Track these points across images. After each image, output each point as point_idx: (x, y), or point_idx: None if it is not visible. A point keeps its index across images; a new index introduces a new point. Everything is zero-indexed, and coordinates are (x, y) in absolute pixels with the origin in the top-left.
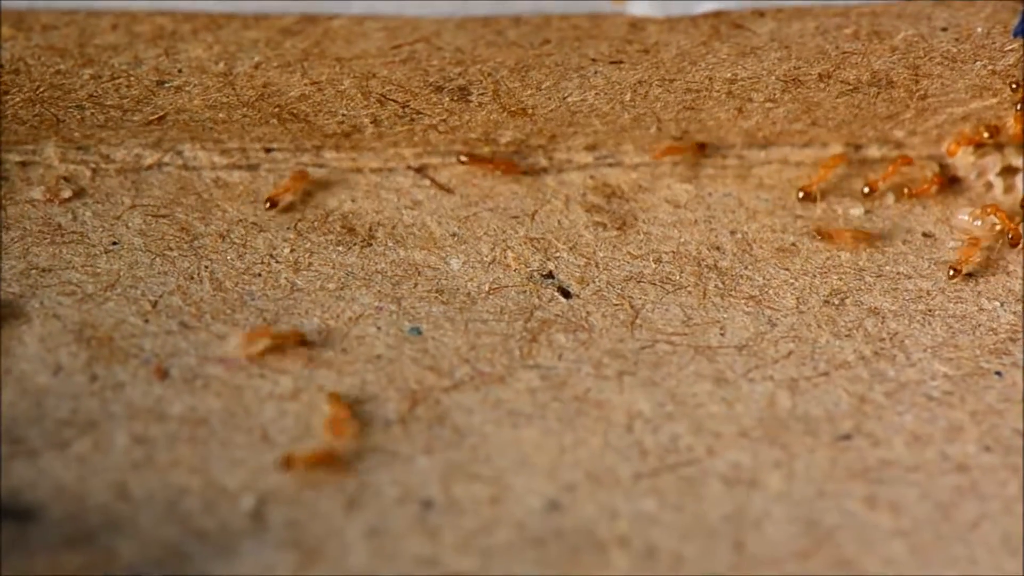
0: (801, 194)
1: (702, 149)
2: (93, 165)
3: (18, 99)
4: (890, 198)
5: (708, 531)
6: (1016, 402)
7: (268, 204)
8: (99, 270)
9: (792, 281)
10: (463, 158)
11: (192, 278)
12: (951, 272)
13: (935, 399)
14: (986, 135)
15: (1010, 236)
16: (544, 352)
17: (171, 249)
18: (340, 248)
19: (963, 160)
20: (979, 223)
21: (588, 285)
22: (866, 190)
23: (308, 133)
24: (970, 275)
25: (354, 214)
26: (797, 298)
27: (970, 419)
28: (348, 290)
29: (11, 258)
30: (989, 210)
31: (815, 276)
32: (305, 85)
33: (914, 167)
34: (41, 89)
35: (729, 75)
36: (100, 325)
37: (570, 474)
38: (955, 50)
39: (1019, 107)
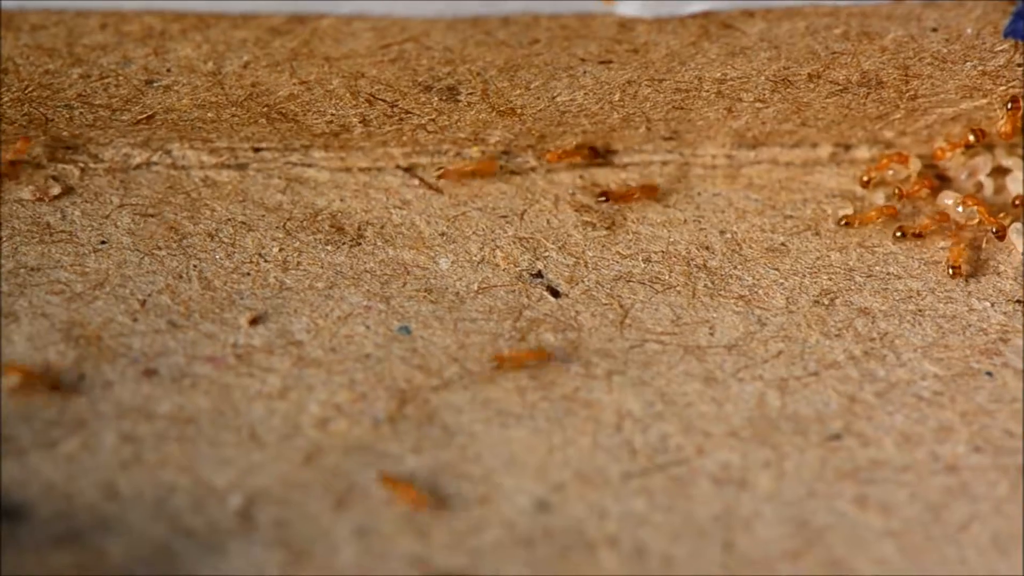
0: (844, 221)
1: (595, 154)
2: (82, 164)
3: (7, 98)
4: (880, 198)
5: (698, 531)
6: (1006, 402)
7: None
8: (88, 269)
9: (782, 281)
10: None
11: (181, 277)
12: (951, 271)
13: (925, 399)
14: (972, 139)
15: (994, 230)
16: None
17: (160, 248)
18: (329, 247)
19: (953, 160)
20: (961, 210)
21: (577, 284)
22: (861, 184)
23: (297, 132)
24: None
25: (343, 213)
26: (787, 298)
27: (960, 419)
28: (337, 289)
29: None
30: (971, 202)
31: (805, 276)
32: (294, 85)
33: (907, 167)
34: (30, 88)
35: (718, 75)
36: (89, 324)
37: (559, 474)
38: (945, 51)
39: (1009, 106)
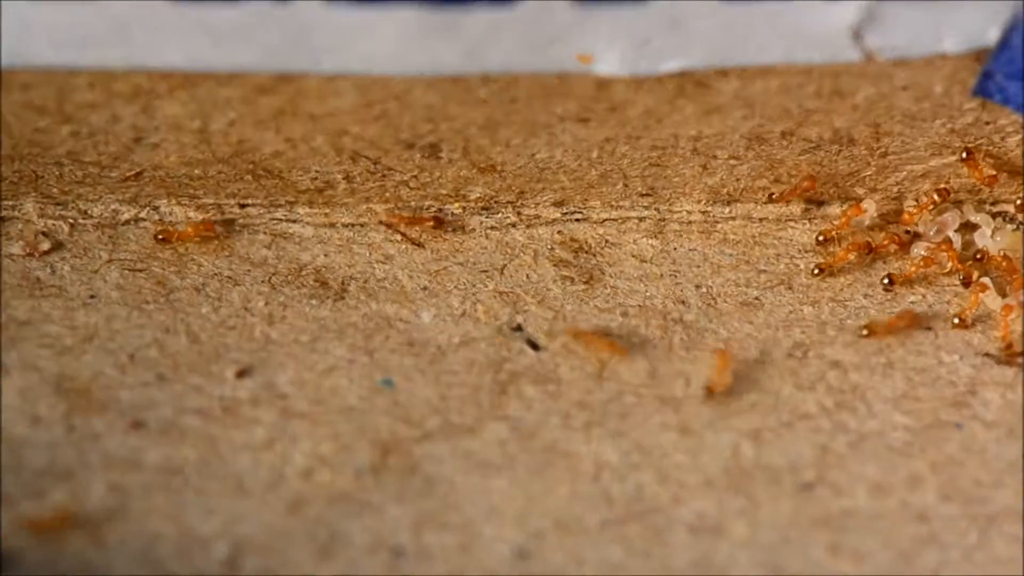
0: (817, 270)
1: (439, 223)
2: (71, 220)
3: None
4: (851, 255)
5: None
6: (975, 453)
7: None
8: (77, 323)
9: (755, 334)
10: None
11: (168, 331)
12: (956, 321)
13: (896, 450)
14: (937, 198)
15: (962, 277)
16: (513, 403)
17: (147, 302)
18: (313, 301)
19: (922, 217)
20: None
21: (556, 338)
22: (820, 238)
23: (282, 189)
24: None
25: (327, 268)
26: (760, 351)
27: (930, 469)
28: (321, 342)
29: None
30: (943, 247)
31: (778, 329)
32: (279, 142)
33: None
34: (21, 146)
35: (694, 132)
36: (78, 377)
37: (538, 522)
38: (915, 109)
39: (964, 156)
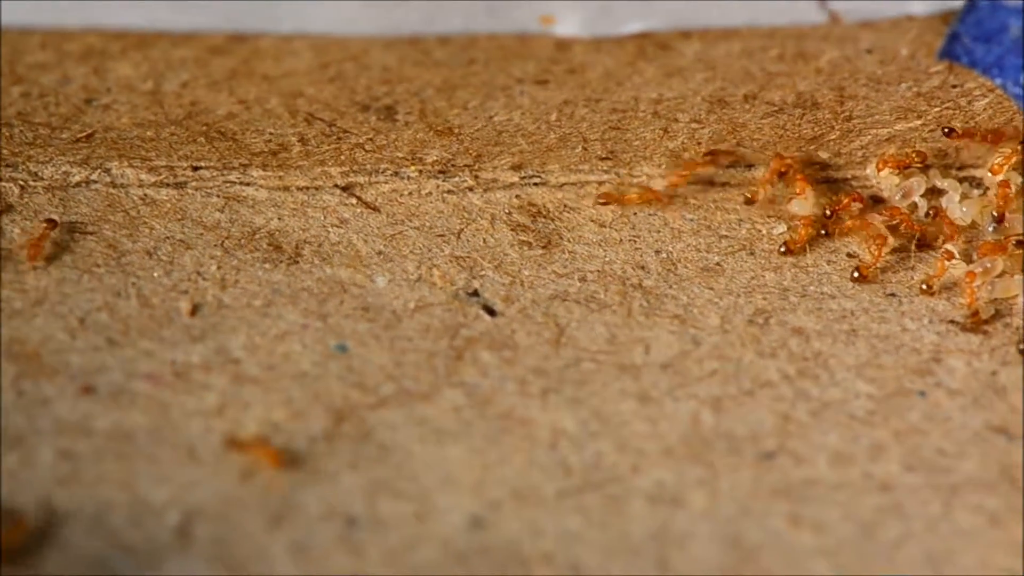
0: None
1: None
2: (21, 182)
3: None
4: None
5: (632, 549)
6: (939, 422)
7: None
8: (27, 287)
9: (716, 300)
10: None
11: (119, 295)
12: (922, 288)
13: (858, 418)
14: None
15: (917, 237)
16: (469, 370)
17: (98, 266)
18: (266, 266)
19: (887, 180)
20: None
21: (513, 303)
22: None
23: (235, 151)
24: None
25: (281, 232)
26: (721, 317)
27: (893, 439)
28: (274, 307)
29: None
30: (894, 212)
31: (739, 296)
32: (233, 104)
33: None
34: None
35: (655, 95)
36: (27, 341)
37: (495, 491)
38: (880, 72)
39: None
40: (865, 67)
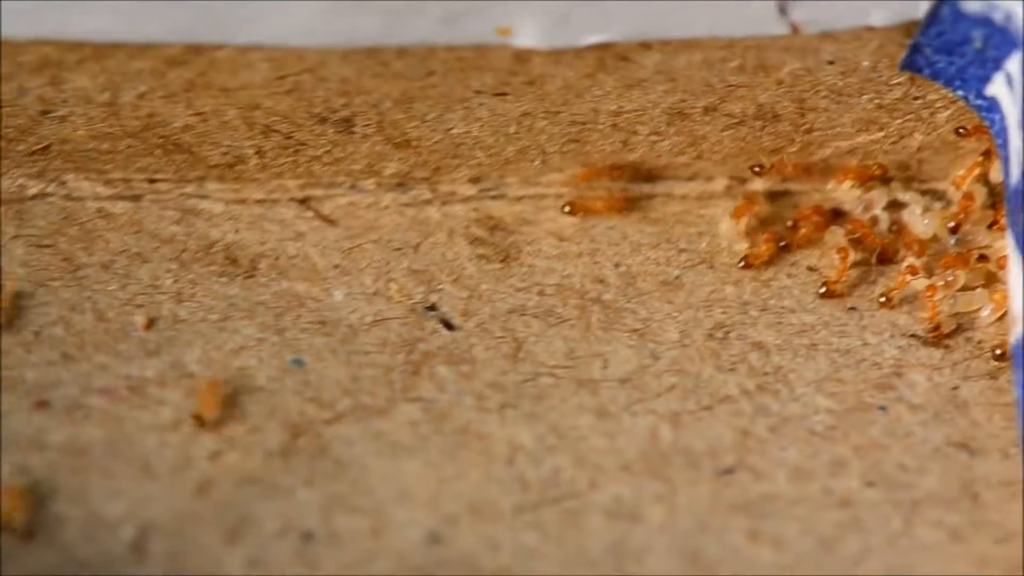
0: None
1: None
2: None
3: None
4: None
5: (590, 564)
6: (899, 437)
7: None
8: None
9: (676, 315)
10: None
11: (74, 308)
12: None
13: (818, 433)
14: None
15: (878, 251)
16: (426, 384)
17: (54, 279)
18: (223, 279)
19: (848, 194)
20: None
21: (471, 317)
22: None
23: (192, 164)
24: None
25: (237, 245)
26: (681, 332)
27: (854, 454)
28: (231, 321)
29: None
30: (855, 225)
31: (699, 310)
32: (189, 116)
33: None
34: None
35: (614, 107)
36: None
37: (451, 506)
38: (841, 83)
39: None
40: (826, 78)
